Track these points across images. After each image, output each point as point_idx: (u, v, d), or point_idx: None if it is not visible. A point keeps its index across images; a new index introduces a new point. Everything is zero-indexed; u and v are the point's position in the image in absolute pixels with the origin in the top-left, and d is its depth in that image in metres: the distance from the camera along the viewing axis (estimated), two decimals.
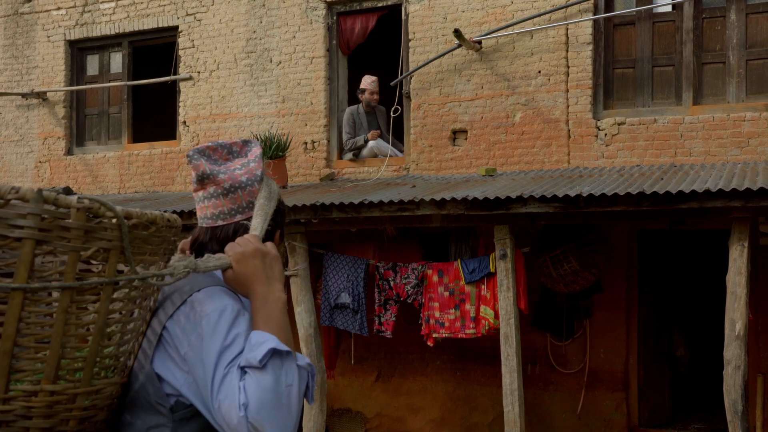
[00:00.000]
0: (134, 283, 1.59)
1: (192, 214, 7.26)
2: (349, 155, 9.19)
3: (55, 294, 1.49)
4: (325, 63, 9.32)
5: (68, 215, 1.46)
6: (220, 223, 1.91)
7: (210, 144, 1.95)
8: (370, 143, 9.00)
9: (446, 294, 7.23)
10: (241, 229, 1.89)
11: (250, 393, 1.62)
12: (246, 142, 2.00)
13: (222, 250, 1.81)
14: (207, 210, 1.92)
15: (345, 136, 9.16)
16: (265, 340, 1.69)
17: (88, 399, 1.58)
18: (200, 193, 1.92)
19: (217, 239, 1.90)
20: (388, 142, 9.03)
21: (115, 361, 1.65)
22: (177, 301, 1.76)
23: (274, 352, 1.67)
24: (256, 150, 1.97)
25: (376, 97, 9.12)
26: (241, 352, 1.68)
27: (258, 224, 1.87)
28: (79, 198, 1.47)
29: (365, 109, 9.10)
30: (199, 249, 1.92)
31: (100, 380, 1.60)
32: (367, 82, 9.12)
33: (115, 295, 1.56)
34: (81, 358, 1.54)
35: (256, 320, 1.77)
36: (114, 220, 1.51)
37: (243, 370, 1.65)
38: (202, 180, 1.90)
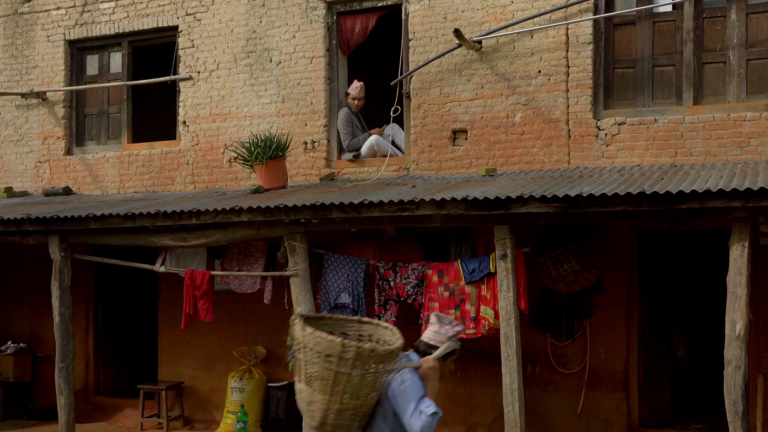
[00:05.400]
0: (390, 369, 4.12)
1: (191, 214, 7.29)
2: (349, 155, 9.20)
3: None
4: (325, 63, 9.32)
5: (394, 356, 4.11)
6: (426, 342, 4.31)
7: (450, 318, 4.42)
8: (371, 139, 9.01)
9: (446, 294, 7.23)
10: (429, 349, 4.27)
11: (422, 423, 3.99)
12: (455, 326, 4.33)
13: (419, 352, 4.29)
14: (428, 335, 4.32)
15: (345, 138, 9.16)
16: (432, 405, 4.05)
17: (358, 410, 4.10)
18: (434, 327, 4.31)
19: (417, 348, 4.33)
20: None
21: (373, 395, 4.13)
22: (395, 374, 4.16)
23: (434, 412, 4.03)
24: (452, 330, 4.28)
25: (357, 102, 9.16)
26: (417, 401, 4.05)
27: (436, 354, 4.22)
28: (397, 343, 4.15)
29: (354, 111, 9.18)
30: (414, 347, 4.33)
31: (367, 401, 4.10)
32: (352, 87, 9.19)
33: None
34: (363, 394, 4.03)
35: (428, 393, 4.11)
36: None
37: (420, 412, 4.01)
38: (439, 324, 4.32)
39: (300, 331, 4.01)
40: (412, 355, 4.28)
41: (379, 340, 4.35)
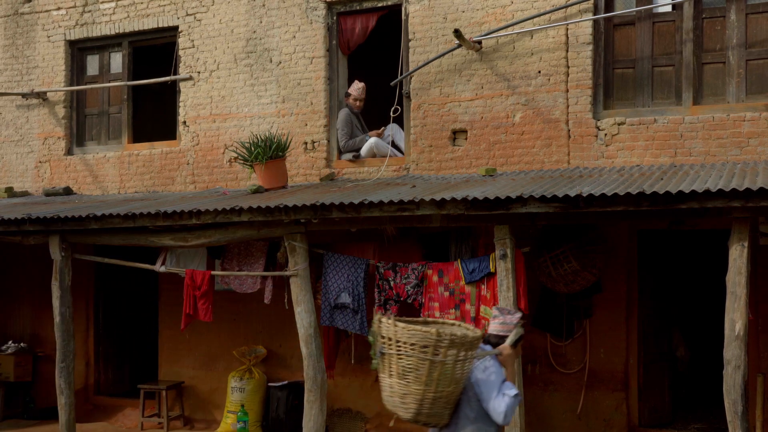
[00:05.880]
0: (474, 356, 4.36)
1: (191, 214, 7.31)
2: (349, 156, 9.20)
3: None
4: (325, 63, 9.32)
5: (479, 343, 4.40)
6: (496, 334, 4.58)
7: (508, 308, 5.09)
8: (370, 141, 9.02)
9: (446, 294, 7.23)
10: (500, 339, 4.54)
11: (506, 404, 4.24)
12: (515, 314, 4.66)
13: (491, 344, 4.54)
14: (495, 327, 4.59)
15: (342, 138, 9.17)
16: (513, 388, 4.31)
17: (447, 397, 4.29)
18: (498, 320, 4.61)
19: (488, 340, 4.56)
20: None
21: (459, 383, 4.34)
22: (477, 362, 4.39)
23: (516, 394, 4.28)
24: (515, 318, 4.60)
25: (359, 103, 9.18)
26: (500, 385, 4.30)
27: (509, 341, 4.49)
28: (478, 331, 4.47)
29: (355, 111, 9.18)
30: (485, 340, 4.56)
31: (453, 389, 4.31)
32: (353, 87, 9.19)
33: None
34: (455, 380, 4.28)
35: (508, 377, 4.38)
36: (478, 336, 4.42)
37: (503, 395, 4.26)
38: (502, 315, 4.63)
39: (392, 327, 4.26)
40: (484, 346, 4.56)
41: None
